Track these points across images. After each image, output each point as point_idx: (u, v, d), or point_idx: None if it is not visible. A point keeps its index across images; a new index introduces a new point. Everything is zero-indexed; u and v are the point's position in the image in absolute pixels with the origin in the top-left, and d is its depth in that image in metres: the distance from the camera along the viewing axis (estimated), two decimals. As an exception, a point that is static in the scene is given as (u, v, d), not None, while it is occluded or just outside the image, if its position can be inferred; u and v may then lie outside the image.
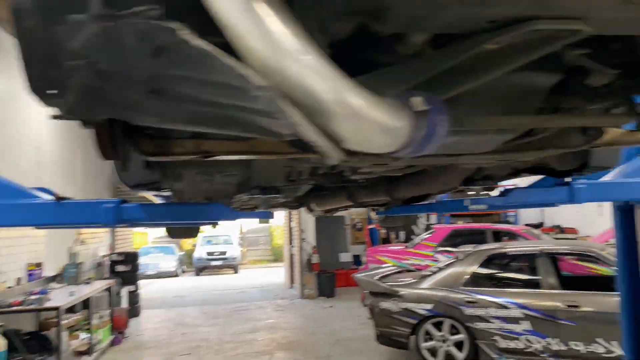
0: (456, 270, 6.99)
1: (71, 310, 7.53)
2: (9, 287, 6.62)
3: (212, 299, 14.18)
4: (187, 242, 28.64)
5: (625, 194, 2.60)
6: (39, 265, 7.63)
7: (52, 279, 8.22)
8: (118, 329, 9.26)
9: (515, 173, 2.48)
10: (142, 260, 22.76)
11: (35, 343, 6.47)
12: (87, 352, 7.64)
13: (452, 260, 7.35)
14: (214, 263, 23.37)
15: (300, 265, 13.64)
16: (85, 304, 9.19)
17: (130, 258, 11.86)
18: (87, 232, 10.25)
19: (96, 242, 11.28)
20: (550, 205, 2.90)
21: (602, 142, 1.73)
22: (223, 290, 16.15)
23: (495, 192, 2.66)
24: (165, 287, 18.17)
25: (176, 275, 23.00)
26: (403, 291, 7.01)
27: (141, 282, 20.09)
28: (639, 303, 2.74)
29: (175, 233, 5.83)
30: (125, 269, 11.63)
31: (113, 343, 8.91)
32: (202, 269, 23.42)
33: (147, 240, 28.77)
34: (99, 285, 8.67)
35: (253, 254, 29.64)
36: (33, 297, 6.66)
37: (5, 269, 6.74)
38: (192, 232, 6.26)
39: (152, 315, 11.97)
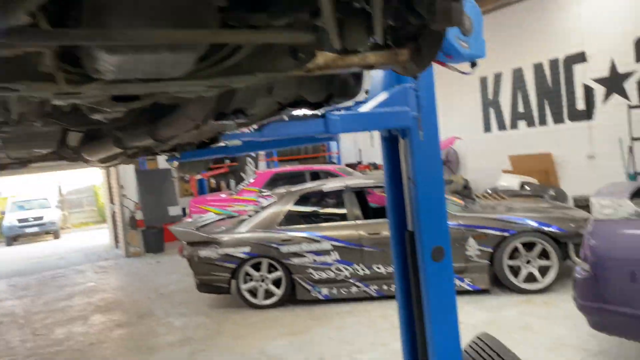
0: (272, 211, 7.14)
1: None
2: None
3: (23, 270, 12.77)
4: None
5: (376, 124, 2.76)
6: None
7: None
8: None
9: (281, 108, 2.47)
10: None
11: None
12: None
13: (268, 203, 7.48)
14: (28, 230, 21.00)
15: (123, 223, 12.87)
16: None
17: None
18: None
19: None
20: (312, 138, 3.00)
21: (316, 67, 1.73)
22: (39, 259, 14.65)
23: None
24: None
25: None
26: (222, 237, 6.98)
27: None
28: (402, 229, 2.95)
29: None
30: None
31: None
32: (14, 238, 20.95)
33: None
34: None
35: (77, 217, 27.33)
36: None
37: None
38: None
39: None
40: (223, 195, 11.18)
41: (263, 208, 7.39)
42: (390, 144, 3.11)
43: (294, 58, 1.56)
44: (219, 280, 6.97)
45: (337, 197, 7.39)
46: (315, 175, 10.51)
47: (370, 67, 1.74)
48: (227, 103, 2.04)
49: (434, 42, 1.72)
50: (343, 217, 7.00)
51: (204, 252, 6.97)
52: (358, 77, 2.42)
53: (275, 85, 2.19)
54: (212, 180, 14.86)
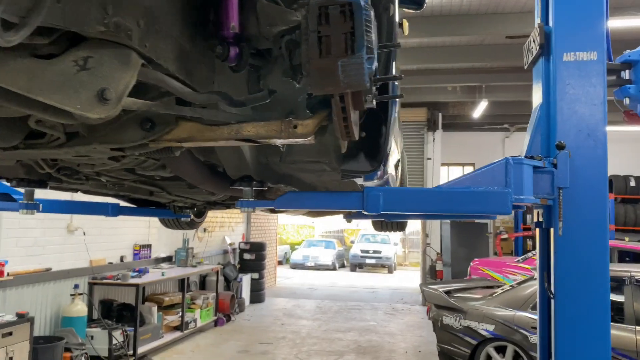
0: (527, 288, 6.04)
1: (187, 290, 8.48)
2: (110, 263, 7.73)
3: (337, 295, 14.44)
4: (349, 239, 29.56)
5: (441, 205, 2.02)
6: (146, 246, 8.75)
7: (162, 260, 9.33)
8: (223, 311, 10.08)
9: None
10: (304, 252, 24.46)
11: (127, 314, 7.45)
12: (179, 328, 8.51)
13: (527, 278, 6.37)
14: (368, 261, 23.67)
15: (423, 272, 13.08)
16: (202, 285, 10.26)
17: (256, 247, 12.76)
18: (212, 219, 11.35)
19: (225, 230, 12.41)
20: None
21: (175, 139, 1.42)
22: (357, 289, 16.30)
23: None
24: (309, 279, 19.01)
25: (333, 269, 23.86)
26: (467, 307, 6.31)
27: (293, 272, 21.62)
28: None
29: (382, 226, 4.78)
30: (250, 257, 12.58)
31: (216, 324, 9.74)
32: (357, 265, 23.91)
33: (314, 234, 30.48)
34: (198, 270, 9.54)
35: (415, 256, 29.17)
36: (132, 274, 7.71)
37: (114, 247, 7.91)
38: (401, 226, 4.91)
39: (273, 304, 12.69)
40: (510, 261, 10.07)
41: (519, 283, 6.34)
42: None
43: (147, 129, 1.37)
44: (458, 354, 6.30)
45: (619, 288, 5.69)
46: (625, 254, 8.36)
47: (251, 141, 1.37)
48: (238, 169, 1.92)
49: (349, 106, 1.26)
50: (619, 316, 5.33)
51: (448, 319, 6.44)
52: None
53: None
54: (530, 242, 13.58)
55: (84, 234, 7.00)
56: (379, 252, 23.75)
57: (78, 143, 1.39)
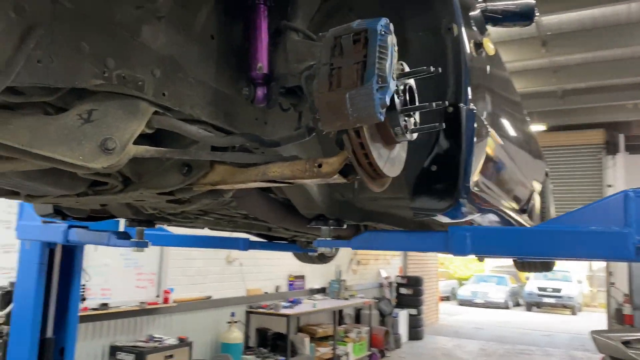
0: None
1: (341, 322, 8.63)
2: (265, 293, 8.16)
3: (506, 336, 13.28)
4: (524, 275, 27.19)
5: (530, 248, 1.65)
6: (300, 277, 9.07)
7: (316, 291, 9.57)
8: (376, 346, 9.91)
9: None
10: (472, 288, 23.21)
11: (281, 343, 7.76)
12: (331, 360, 8.58)
13: None
14: (546, 300, 21.46)
15: (608, 315, 11.41)
16: (357, 318, 10.31)
17: (413, 282, 12.43)
18: (366, 252, 11.38)
19: (380, 263, 12.33)
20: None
21: (207, 182, 1.38)
22: (529, 330, 14.83)
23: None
24: (476, 317, 17.87)
25: (505, 308, 22.15)
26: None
27: (460, 309, 20.51)
28: None
29: (524, 266, 4.46)
30: (407, 292, 12.29)
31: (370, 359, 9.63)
32: (533, 304, 21.83)
33: (484, 269, 28.66)
34: (351, 303, 9.55)
35: (604, 296, 25.67)
36: (284, 304, 8.05)
37: (269, 277, 8.37)
38: (547, 266, 4.50)
39: (432, 342, 12.14)
40: None
41: None
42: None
43: (184, 174, 1.40)
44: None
45: None
46: None
47: (276, 182, 1.32)
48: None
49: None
50: None
51: (625, 376, 5.48)
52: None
53: None
54: None
55: (241, 264, 7.51)
56: (559, 290, 21.40)
57: (130, 189, 1.47)
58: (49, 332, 3.42)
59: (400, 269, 13.35)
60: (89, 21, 1.01)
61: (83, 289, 5.21)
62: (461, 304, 22.55)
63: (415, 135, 1.25)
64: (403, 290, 12.31)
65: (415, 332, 12.10)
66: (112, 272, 5.69)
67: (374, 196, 1.92)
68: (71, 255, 3.42)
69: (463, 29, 1.57)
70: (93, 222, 2.66)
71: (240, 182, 1.34)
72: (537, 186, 3.46)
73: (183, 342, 5.86)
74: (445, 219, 1.79)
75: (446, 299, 24.38)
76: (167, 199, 1.57)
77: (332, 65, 1.11)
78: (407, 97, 1.21)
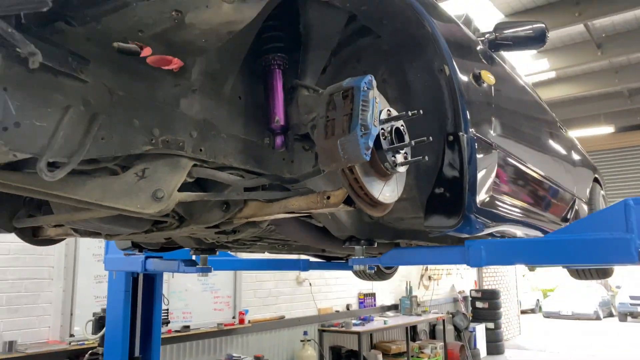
0: None
1: (415, 339, 8.71)
2: (336, 311, 8.41)
3: (595, 349, 12.63)
4: (614, 283, 25.54)
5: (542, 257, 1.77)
6: (370, 295, 9.23)
7: (388, 308, 9.67)
8: (452, 362, 9.83)
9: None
10: (558, 299, 22.15)
11: (354, 360, 7.96)
12: (406, 376, 8.63)
13: None
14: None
15: None
16: (432, 334, 10.30)
17: (489, 295, 12.19)
18: (437, 268, 11.35)
19: (453, 278, 12.21)
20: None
21: (243, 217, 1.66)
22: (621, 343, 13.98)
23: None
24: (562, 330, 17.05)
25: (596, 319, 20.94)
26: None
27: (546, 322, 19.61)
28: None
29: (579, 274, 4.42)
30: (483, 306, 12.07)
31: (447, 375, 9.56)
32: (626, 314, 20.48)
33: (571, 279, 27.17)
34: (423, 318, 9.55)
35: None
36: (355, 322, 8.26)
37: (340, 296, 8.62)
38: (605, 273, 4.44)
39: (514, 357, 11.80)
40: None
41: None
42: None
43: (224, 210, 1.72)
44: None
45: None
46: None
47: (292, 214, 1.61)
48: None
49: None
50: None
51: None
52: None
53: None
54: None
55: (310, 284, 7.82)
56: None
57: (184, 225, 1.80)
58: (137, 352, 3.86)
59: (475, 283, 13.13)
60: (138, 102, 1.35)
61: (166, 313, 5.72)
62: (547, 317, 21.57)
63: (403, 168, 1.49)
64: (479, 304, 12.09)
65: (495, 346, 11.81)
66: (192, 297, 6.18)
67: (400, 217, 2.16)
68: (152, 283, 3.86)
69: (456, 68, 1.78)
70: (166, 252, 3.06)
71: (268, 214, 1.63)
72: (582, 194, 3.51)
73: (259, 360, 6.22)
74: (463, 235, 1.99)
75: (530, 311, 23.40)
76: (215, 231, 1.89)
77: (327, 118, 1.38)
78: (394, 137, 1.45)
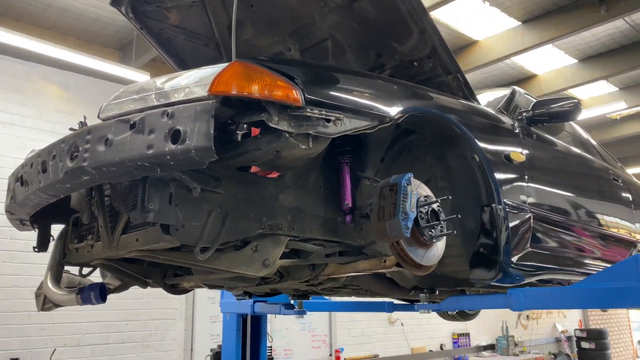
0: None
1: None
2: (430, 351, 8.65)
3: None
4: None
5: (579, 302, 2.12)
6: (465, 335, 9.35)
7: (484, 348, 9.69)
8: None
9: None
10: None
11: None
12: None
13: None
14: None
15: None
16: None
17: (595, 335, 11.66)
18: (535, 307, 11.11)
19: (554, 317, 11.86)
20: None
21: (325, 274, 2.23)
22: None
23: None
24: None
25: None
26: None
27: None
28: None
29: None
30: (589, 346, 11.57)
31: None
32: None
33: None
34: (521, 358, 9.43)
35: None
36: (449, 361, 8.45)
37: (432, 336, 8.86)
38: None
39: (627, 402, 11.10)
40: None
41: None
42: None
43: (311, 270, 2.34)
44: None
45: None
46: None
47: (360, 272, 2.20)
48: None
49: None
50: None
51: None
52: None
53: None
54: None
55: (402, 324, 8.18)
56: None
57: (283, 281, 2.43)
58: (248, 384, 4.52)
59: (579, 322, 12.60)
60: (252, 201, 2.01)
61: (270, 349, 6.41)
62: (673, 360, 19.65)
63: (440, 239, 2.01)
64: (584, 344, 11.59)
65: (604, 390, 11.22)
66: (292, 335, 6.84)
67: (455, 269, 2.64)
68: (258, 323, 4.54)
69: (485, 155, 2.28)
70: (270, 297, 3.72)
71: (343, 273, 2.22)
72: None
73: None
74: (505, 284, 2.44)
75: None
76: (306, 284, 2.51)
77: (379, 205, 1.95)
78: (430, 216, 1.99)
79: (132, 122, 1.58)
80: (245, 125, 1.74)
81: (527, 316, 10.93)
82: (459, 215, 1.98)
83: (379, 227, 1.92)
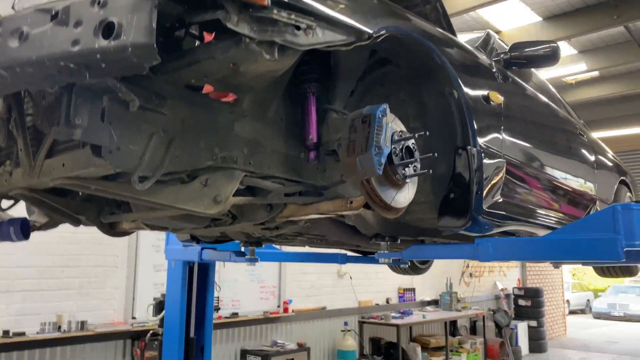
0: None
1: (455, 334, 8.98)
2: (376, 304, 8.73)
3: (642, 351, 12.41)
4: (671, 284, 24.60)
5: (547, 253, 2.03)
6: (410, 290, 9.50)
7: (428, 303, 9.91)
8: (492, 358, 9.96)
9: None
10: (609, 300, 21.63)
11: (394, 352, 8.27)
12: (444, 370, 8.87)
13: None
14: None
15: None
16: (473, 330, 10.48)
17: (532, 293, 12.19)
18: (480, 265, 11.46)
19: (495, 275, 12.28)
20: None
21: (283, 216, 2.02)
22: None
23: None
24: (612, 331, 16.70)
25: (650, 319, 20.34)
26: None
27: (595, 323, 19.20)
28: None
29: (604, 272, 4.48)
30: (525, 304, 12.09)
31: (487, 371, 9.72)
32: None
33: (623, 279, 26.38)
34: (463, 314, 9.73)
35: None
36: (394, 315, 8.56)
37: (380, 290, 8.94)
38: (629, 271, 4.47)
39: (556, 355, 11.78)
40: None
41: None
42: None
43: (268, 211, 2.10)
44: None
45: None
46: None
47: (322, 214, 1.98)
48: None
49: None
50: None
51: None
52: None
53: None
54: None
55: (351, 278, 8.18)
56: None
57: (236, 223, 2.19)
58: (192, 333, 4.33)
59: (518, 281, 13.13)
60: (203, 128, 1.74)
61: (217, 300, 6.23)
62: (597, 317, 21.10)
63: (413, 179, 1.82)
64: (521, 302, 12.13)
65: (537, 344, 11.82)
66: (240, 286, 6.67)
67: (420, 217, 2.48)
68: (206, 272, 4.31)
69: (464, 91, 2.09)
70: (220, 244, 3.49)
71: (304, 215, 2.00)
72: (606, 195, 3.70)
73: (302, 347, 6.64)
74: (473, 234, 2.30)
75: (580, 312, 22.93)
76: (261, 228, 2.28)
77: (349, 139, 1.72)
78: (404, 154, 1.78)
79: (53, 12, 1.26)
80: (196, 30, 1.45)
81: (471, 274, 11.25)
82: (435, 154, 1.79)
83: (348, 162, 1.70)
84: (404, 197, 1.84)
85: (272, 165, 1.95)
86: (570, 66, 7.78)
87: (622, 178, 4.10)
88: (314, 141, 1.97)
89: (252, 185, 1.92)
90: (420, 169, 1.85)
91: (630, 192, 4.27)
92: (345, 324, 7.72)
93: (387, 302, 9.00)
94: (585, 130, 3.74)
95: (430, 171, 1.78)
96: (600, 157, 3.73)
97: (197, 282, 4.27)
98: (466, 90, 2.11)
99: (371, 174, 1.66)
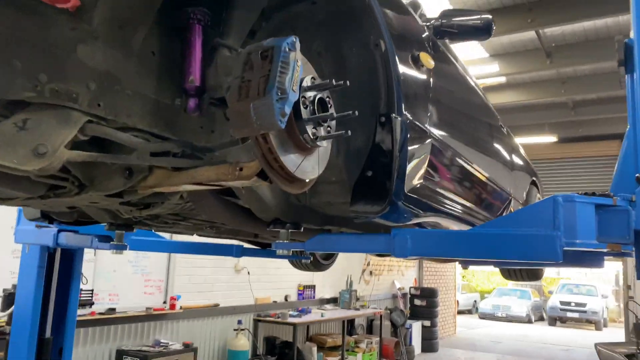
0: None
1: (352, 333, 8.70)
2: (274, 302, 8.28)
3: (523, 350, 13.08)
4: (547, 288, 26.71)
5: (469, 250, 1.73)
6: (310, 287, 9.16)
7: (327, 301, 9.63)
8: (387, 357, 9.91)
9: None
10: (494, 301, 22.86)
11: (290, 352, 7.86)
12: (339, 370, 8.62)
13: None
14: (570, 315, 20.97)
15: (626, 330, 11.17)
16: (369, 329, 10.33)
17: (428, 293, 12.38)
18: (379, 263, 11.40)
19: (394, 274, 12.33)
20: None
21: (148, 185, 1.51)
22: (549, 344, 14.57)
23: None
24: (496, 331, 17.61)
25: (528, 322, 21.75)
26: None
27: (481, 323, 20.21)
28: None
29: (510, 274, 4.45)
30: (421, 303, 12.25)
31: (380, 370, 9.63)
32: (556, 318, 21.37)
33: (507, 282, 28.20)
34: (361, 313, 9.59)
35: (632, 312, 24.95)
36: (292, 313, 8.15)
37: (279, 287, 8.49)
38: (534, 275, 4.41)
39: (446, 355, 12.04)
40: None
41: None
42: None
43: (126, 177, 1.54)
44: None
45: None
46: None
47: (202, 185, 1.45)
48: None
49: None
50: None
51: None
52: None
53: None
54: None
55: (249, 273, 7.65)
56: (583, 304, 20.88)
57: (84, 192, 1.62)
58: (48, 333, 3.60)
59: (415, 281, 13.31)
60: (22, 40, 1.16)
61: (90, 294, 5.43)
62: (482, 318, 22.22)
63: (325, 142, 1.37)
64: (417, 302, 12.27)
65: (430, 344, 12.02)
66: (120, 278, 5.90)
67: (329, 201, 2.03)
68: (70, 260, 3.60)
69: (393, 45, 1.68)
70: (82, 227, 2.83)
71: (175, 184, 1.47)
72: (519, 195, 3.52)
73: (188, 348, 6.01)
74: (389, 223, 1.90)
75: (467, 312, 24.06)
76: (120, 201, 1.71)
77: (242, 78, 1.24)
78: (317, 108, 1.32)
79: None
80: None
81: (371, 272, 11.16)
82: (356, 112, 1.35)
83: (238, 109, 1.21)
84: (312, 166, 1.38)
85: (132, 113, 1.41)
86: (482, 66, 7.84)
87: (533, 179, 3.98)
88: (196, 84, 1.46)
89: (102, 136, 1.37)
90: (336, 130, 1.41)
91: (540, 194, 4.17)
92: (239, 322, 7.18)
93: (286, 299, 8.57)
94: (503, 124, 3.54)
95: (349, 132, 1.33)
96: (515, 155, 3.55)
97: (59, 272, 3.55)
98: (395, 42, 1.69)
99: (270, 127, 1.19)
